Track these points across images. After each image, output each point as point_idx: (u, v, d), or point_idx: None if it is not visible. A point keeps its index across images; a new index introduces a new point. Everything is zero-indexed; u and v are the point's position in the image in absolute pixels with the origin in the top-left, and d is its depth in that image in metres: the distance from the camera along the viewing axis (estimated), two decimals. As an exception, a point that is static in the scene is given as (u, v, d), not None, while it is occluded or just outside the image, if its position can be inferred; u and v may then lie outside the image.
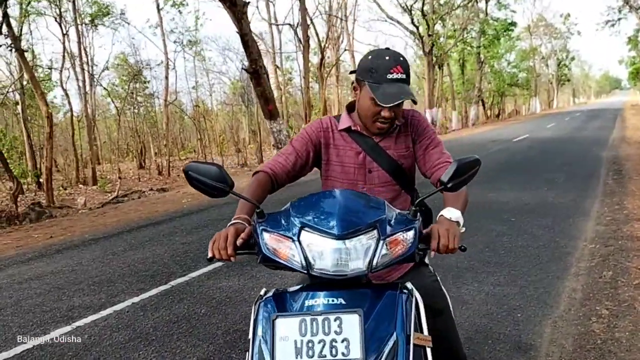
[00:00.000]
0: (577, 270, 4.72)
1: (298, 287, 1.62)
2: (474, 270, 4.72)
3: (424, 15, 26.22)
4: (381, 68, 1.86)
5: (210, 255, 1.62)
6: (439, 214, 1.76)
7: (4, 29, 12.29)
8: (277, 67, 28.91)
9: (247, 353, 1.50)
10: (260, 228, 1.57)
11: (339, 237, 1.44)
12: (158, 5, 22.73)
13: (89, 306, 4.29)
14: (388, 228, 1.51)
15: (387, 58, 1.88)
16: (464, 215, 1.78)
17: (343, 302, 1.46)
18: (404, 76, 1.87)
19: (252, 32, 14.23)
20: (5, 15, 12.16)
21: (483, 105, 39.54)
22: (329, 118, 2.17)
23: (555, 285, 4.40)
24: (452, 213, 1.72)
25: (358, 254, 1.45)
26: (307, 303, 1.48)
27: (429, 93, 27.30)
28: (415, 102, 1.95)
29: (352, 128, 2.07)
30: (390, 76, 1.85)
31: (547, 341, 3.45)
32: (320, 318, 1.42)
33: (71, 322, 3.98)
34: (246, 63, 14.06)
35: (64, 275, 5.23)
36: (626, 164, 11.22)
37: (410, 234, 1.54)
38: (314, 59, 23.50)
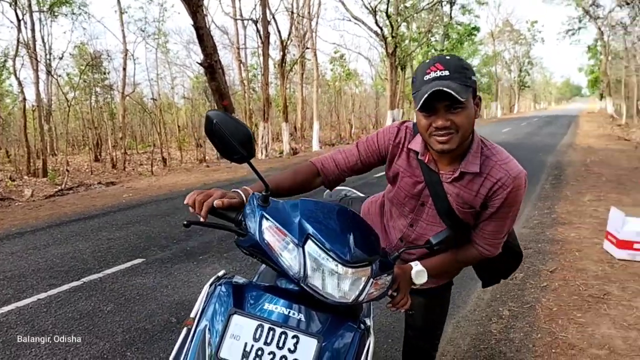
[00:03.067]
0: (492, 272, 4.81)
1: (262, 284, 1.57)
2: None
3: (388, 16, 26.36)
4: (419, 73, 1.63)
5: (185, 201, 1.55)
6: (411, 262, 1.79)
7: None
8: (242, 62, 28.70)
9: (184, 331, 1.46)
10: (260, 213, 1.49)
11: (345, 264, 1.40)
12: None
13: (-9, 302, 4.16)
14: (378, 268, 1.49)
15: (427, 61, 1.65)
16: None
17: (303, 319, 1.43)
18: (444, 72, 1.56)
19: (207, 26, 14.06)
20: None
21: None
22: (406, 127, 1.87)
23: (467, 286, 4.48)
24: (420, 277, 1.75)
25: (348, 284, 1.42)
26: (266, 306, 1.44)
27: (391, 94, 27.50)
28: (461, 99, 1.52)
29: (420, 157, 1.79)
30: (427, 77, 1.59)
31: (446, 341, 3.51)
32: (278, 330, 1.39)
33: (-33, 318, 3.84)
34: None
35: (-26, 269, 5.06)
36: (567, 169, 11.51)
37: (389, 279, 1.54)
38: (277, 56, 23.41)
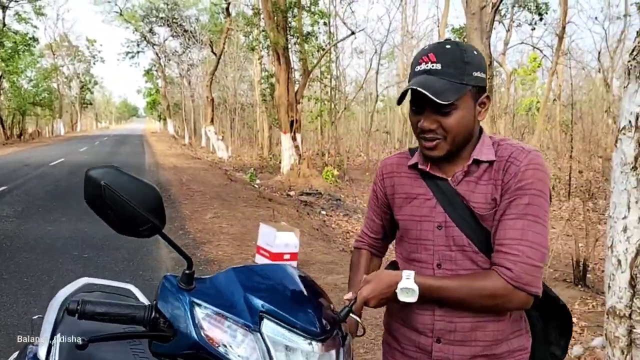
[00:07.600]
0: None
1: None
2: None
3: None
4: (414, 61, 1.37)
5: None
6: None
7: None
8: None
9: None
10: (189, 299, 1.09)
11: (316, 337, 1.10)
12: None
13: None
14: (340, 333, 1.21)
15: (425, 47, 1.37)
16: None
17: None
18: (435, 66, 1.29)
19: None
20: None
21: (2, 124, 35.41)
22: (398, 155, 1.56)
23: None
24: (407, 295, 1.28)
25: None
26: None
27: None
28: (442, 101, 1.24)
29: (419, 166, 1.43)
30: (417, 68, 1.34)
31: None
32: None
33: None
34: None
35: None
36: (171, 189, 11.93)
37: (348, 340, 1.26)
38: None
